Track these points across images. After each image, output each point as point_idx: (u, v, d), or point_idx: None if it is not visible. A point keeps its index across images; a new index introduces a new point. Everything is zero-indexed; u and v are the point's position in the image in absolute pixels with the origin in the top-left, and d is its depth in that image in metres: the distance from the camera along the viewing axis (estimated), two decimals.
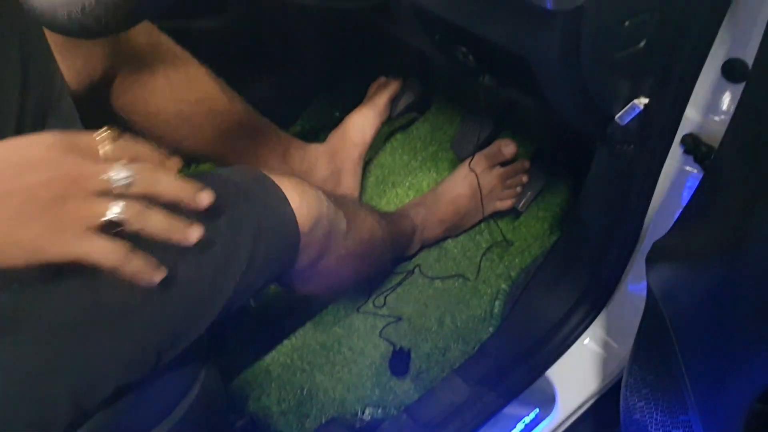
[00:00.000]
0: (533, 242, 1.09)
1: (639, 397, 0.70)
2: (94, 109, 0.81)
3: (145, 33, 0.86)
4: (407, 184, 1.21)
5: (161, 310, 0.59)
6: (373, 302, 1.08)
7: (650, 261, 0.66)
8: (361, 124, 1.15)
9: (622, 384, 0.73)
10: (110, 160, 0.53)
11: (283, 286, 0.83)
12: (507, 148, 1.10)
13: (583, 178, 0.89)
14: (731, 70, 0.67)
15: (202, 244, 0.59)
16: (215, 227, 0.62)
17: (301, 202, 0.70)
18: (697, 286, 0.59)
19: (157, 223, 0.54)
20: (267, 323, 1.07)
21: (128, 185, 0.53)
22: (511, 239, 1.11)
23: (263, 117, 1.04)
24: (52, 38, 0.74)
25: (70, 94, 0.76)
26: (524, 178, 1.10)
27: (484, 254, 1.10)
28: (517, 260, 1.09)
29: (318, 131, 1.26)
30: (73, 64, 0.76)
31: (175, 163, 0.58)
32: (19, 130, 0.71)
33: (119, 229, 0.53)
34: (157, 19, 0.87)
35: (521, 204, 1.10)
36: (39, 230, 0.50)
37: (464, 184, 1.08)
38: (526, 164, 1.11)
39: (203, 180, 0.68)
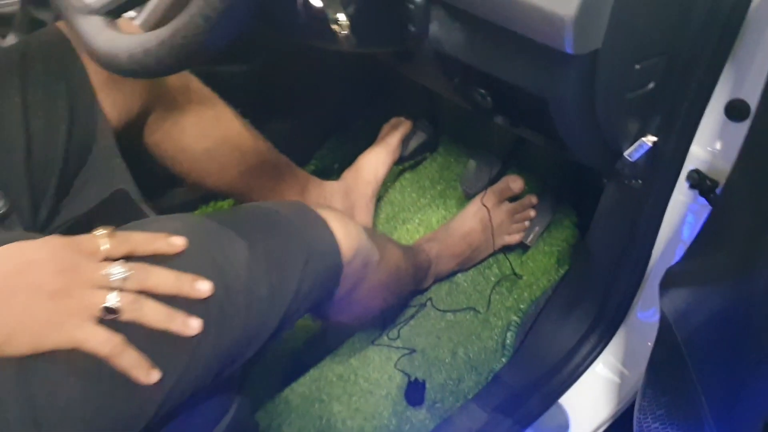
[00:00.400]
0: (541, 276, 1.12)
1: (654, 418, 0.72)
2: (132, 143, 0.86)
3: (178, 75, 0.91)
4: (417, 220, 1.24)
5: (223, 336, 0.61)
6: (388, 335, 1.10)
7: (663, 287, 0.70)
8: (374, 162, 1.20)
9: (636, 408, 0.75)
10: (110, 257, 0.58)
11: (318, 316, 0.86)
12: (515, 183, 1.14)
13: (589, 213, 0.93)
14: (733, 110, 0.71)
15: (256, 275, 0.62)
16: (270, 258, 0.65)
17: (345, 234, 0.74)
18: (709, 309, 0.62)
19: (152, 312, 0.57)
20: (286, 355, 1.09)
21: (124, 280, 0.57)
22: (520, 273, 1.14)
23: (282, 155, 1.08)
24: (95, 77, 0.79)
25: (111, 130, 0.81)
26: (532, 213, 1.13)
27: (493, 288, 1.13)
28: (526, 293, 1.11)
29: (332, 169, 1.30)
30: (114, 101, 0.81)
31: (178, 242, 0.61)
32: (66, 162, 0.75)
33: (115, 316, 0.56)
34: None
35: (529, 238, 1.14)
36: (44, 320, 0.54)
37: (475, 220, 1.12)
38: (534, 199, 1.14)
39: (252, 214, 0.71)
